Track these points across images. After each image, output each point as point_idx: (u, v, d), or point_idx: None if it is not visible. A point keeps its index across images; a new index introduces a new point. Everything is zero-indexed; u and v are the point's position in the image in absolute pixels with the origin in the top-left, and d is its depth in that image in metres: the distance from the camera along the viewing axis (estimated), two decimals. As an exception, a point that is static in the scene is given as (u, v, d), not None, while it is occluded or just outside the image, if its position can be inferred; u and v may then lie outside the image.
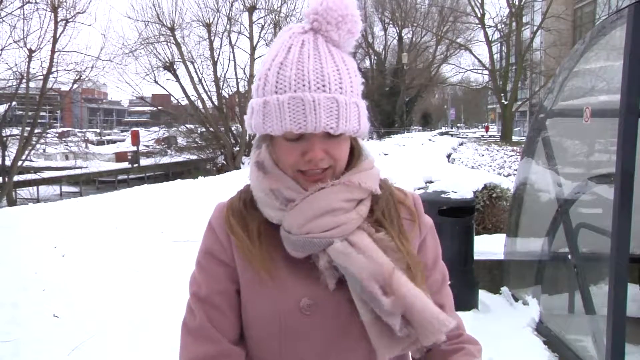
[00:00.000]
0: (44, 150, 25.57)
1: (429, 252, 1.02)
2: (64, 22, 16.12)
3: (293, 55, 0.86)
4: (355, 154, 0.96)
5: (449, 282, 1.06)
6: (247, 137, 24.88)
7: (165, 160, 28.46)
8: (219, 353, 0.94)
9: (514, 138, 31.98)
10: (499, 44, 39.15)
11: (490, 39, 34.61)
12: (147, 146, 30.44)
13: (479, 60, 36.43)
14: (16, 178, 16.53)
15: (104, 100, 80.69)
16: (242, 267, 0.94)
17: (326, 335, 0.90)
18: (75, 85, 18.06)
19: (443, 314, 0.86)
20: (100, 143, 42.78)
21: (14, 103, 16.87)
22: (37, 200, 18.13)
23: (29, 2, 14.98)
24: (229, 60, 30.68)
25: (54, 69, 16.08)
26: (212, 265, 0.98)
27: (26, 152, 16.28)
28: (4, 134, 15.63)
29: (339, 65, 0.87)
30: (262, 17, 24.74)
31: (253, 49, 24.24)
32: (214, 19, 23.91)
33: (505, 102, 32.25)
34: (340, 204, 0.88)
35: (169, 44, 23.52)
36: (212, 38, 24.12)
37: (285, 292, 0.91)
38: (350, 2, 0.88)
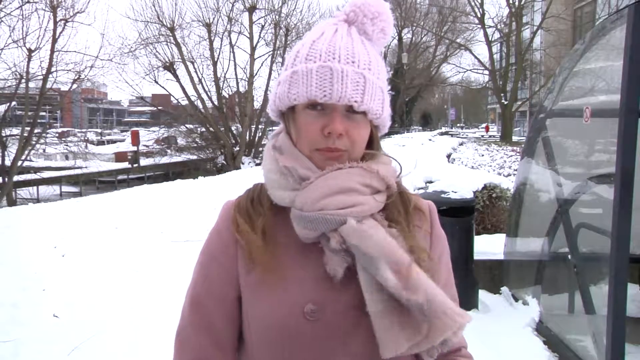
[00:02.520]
0: (44, 150, 25.58)
1: (443, 272, 0.97)
2: (63, 22, 16.14)
3: (326, 36, 0.90)
4: (373, 148, 0.95)
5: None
6: (247, 137, 24.92)
7: (165, 160, 28.41)
8: (199, 358, 0.94)
9: (514, 138, 31.98)
10: (499, 44, 39.15)
11: (490, 39, 34.64)
12: (147, 146, 30.42)
13: (479, 60, 36.49)
14: (16, 178, 16.52)
15: (104, 100, 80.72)
16: (246, 268, 0.92)
17: (330, 341, 0.88)
18: (75, 85, 18.06)
19: (457, 307, 0.83)
20: (100, 143, 42.77)
21: (13, 103, 16.87)
22: (37, 200, 18.11)
23: (27, 2, 15.00)
24: (229, 60, 30.75)
25: (53, 69, 16.10)
26: (211, 267, 0.96)
27: (26, 152, 16.28)
28: (3, 134, 15.63)
29: (369, 51, 0.90)
30: (262, 17, 24.80)
31: (253, 49, 24.27)
32: (214, 19, 23.98)
33: (505, 102, 32.27)
34: (356, 185, 0.87)
35: (168, 44, 23.56)
36: (212, 38, 24.17)
37: (290, 295, 0.88)
38: (387, 5, 0.93)
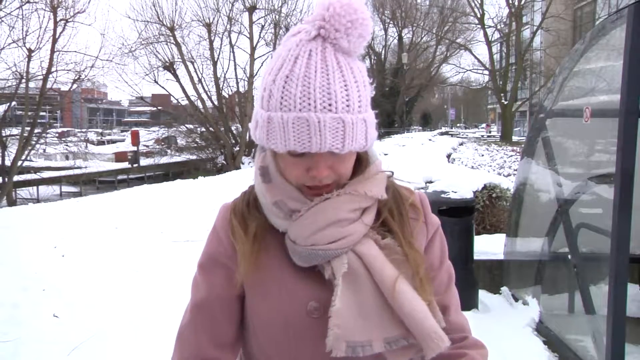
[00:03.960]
0: (44, 150, 25.57)
1: (436, 251, 1.02)
2: (63, 22, 16.14)
3: (299, 69, 0.82)
4: (362, 162, 0.94)
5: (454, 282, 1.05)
6: (247, 137, 24.91)
7: (165, 160, 28.43)
8: (196, 358, 0.96)
9: (514, 138, 31.99)
10: (498, 44, 39.15)
11: (490, 39, 34.64)
12: (147, 146, 30.43)
13: (479, 61, 36.52)
14: (16, 178, 16.52)
15: (104, 100, 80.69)
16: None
17: None
18: (75, 85, 18.06)
19: (440, 331, 0.86)
20: (100, 143, 42.76)
21: (13, 103, 16.86)
22: (37, 200, 18.11)
23: (28, 2, 14.99)
24: (229, 60, 30.78)
25: (53, 69, 16.10)
26: (213, 269, 0.98)
27: (26, 152, 16.28)
28: (4, 134, 15.62)
29: (347, 79, 0.83)
30: (262, 17, 24.81)
31: (253, 49, 24.27)
32: (214, 18, 23.99)
33: (505, 102, 32.27)
34: (345, 214, 0.87)
35: (168, 44, 23.56)
36: (212, 38, 24.17)
37: (292, 295, 0.91)
38: (359, 5, 0.83)
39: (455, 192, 4.02)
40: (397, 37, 43.33)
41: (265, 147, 0.88)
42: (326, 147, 0.81)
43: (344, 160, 0.87)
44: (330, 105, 0.81)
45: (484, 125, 62.34)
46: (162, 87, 25.44)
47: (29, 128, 16.13)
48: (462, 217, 3.93)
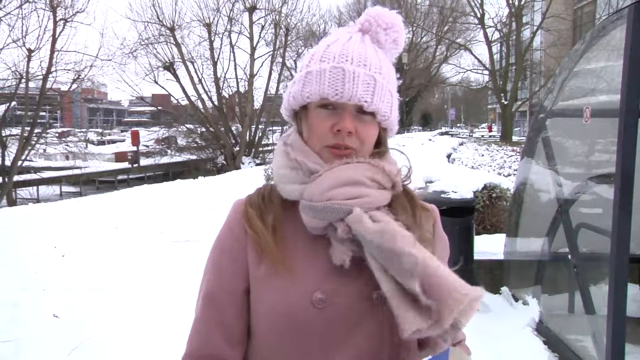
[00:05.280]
0: (44, 150, 25.57)
1: None
2: (62, 21, 16.14)
3: (340, 41, 0.94)
4: (381, 149, 0.98)
5: None
6: (247, 137, 24.93)
7: (165, 160, 28.41)
8: (207, 354, 0.96)
9: (514, 138, 31.98)
10: (498, 44, 39.14)
11: (490, 39, 34.61)
12: (147, 146, 30.41)
13: (479, 60, 36.47)
14: (16, 178, 16.54)
15: (104, 100, 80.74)
16: (255, 261, 0.94)
17: (337, 330, 0.89)
18: (75, 85, 18.07)
19: (466, 284, 0.83)
20: (100, 143, 42.78)
21: (13, 103, 16.87)
22: (37, 200, 18.13)
23: (27, 1, 15.00)
24: (229, 60, 30.79)
25: (53, 69, 16.11)
26: (223, 262, 0.98)
27: (26, 152, 16.29)
28: (4, 134, 15.63)
29: (381, 57, 0.95)
30: (262, 17, 24.82)
31: (253, 49, 24.29)
32: (214, 19, 24.00)
33: (505, 102, 32.25)
34: (363, 178, 0.89)
35: (168, 44, 23.57)
36: (212, 38, 24.18)
37: (298, 285, 0.90)
38: (400, 18, 0.99)
39: (455, 192, 4.03)
40: (397, 37, 43.25)
41: (299, 101, 0.94)
42: (357, 97, 0.89)
43: (367, 126, 0.92)
44: (365, 64, 0.91)
45: (484, 125, 62.38)
46: (162, 87, 25.48)
47: (29, 128, 16.15)
48: (462, 217, 3.93)
